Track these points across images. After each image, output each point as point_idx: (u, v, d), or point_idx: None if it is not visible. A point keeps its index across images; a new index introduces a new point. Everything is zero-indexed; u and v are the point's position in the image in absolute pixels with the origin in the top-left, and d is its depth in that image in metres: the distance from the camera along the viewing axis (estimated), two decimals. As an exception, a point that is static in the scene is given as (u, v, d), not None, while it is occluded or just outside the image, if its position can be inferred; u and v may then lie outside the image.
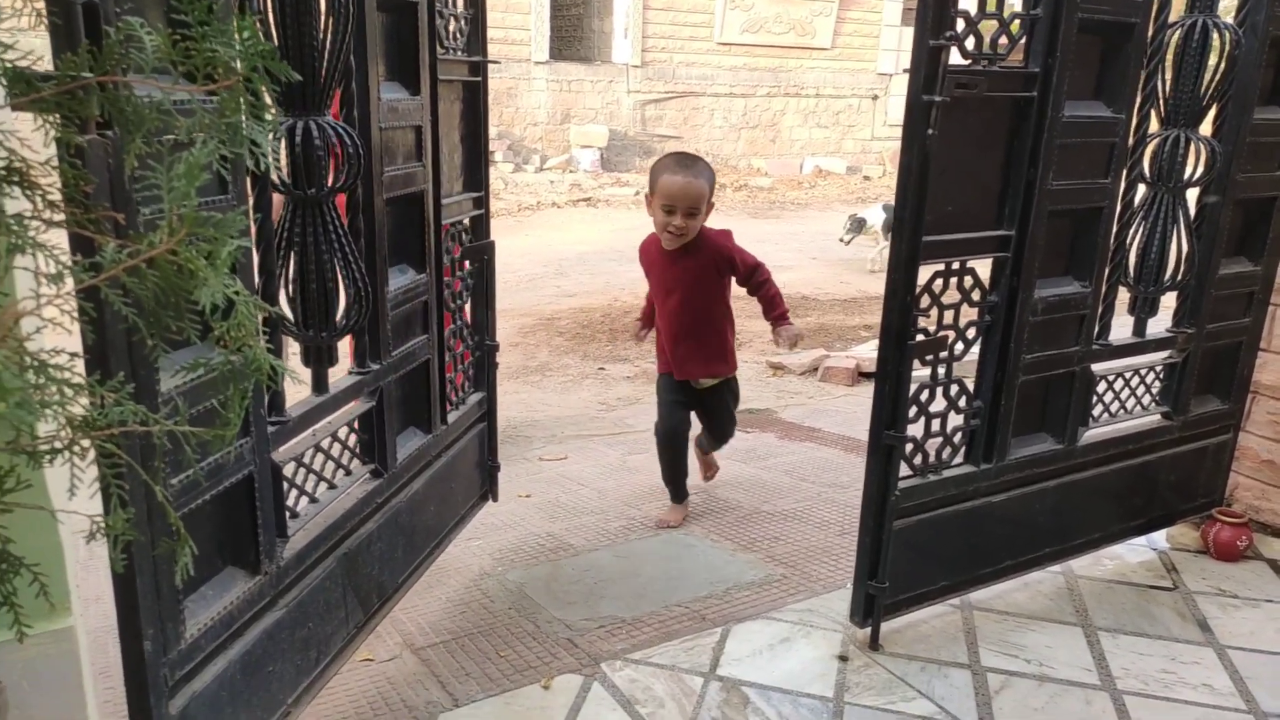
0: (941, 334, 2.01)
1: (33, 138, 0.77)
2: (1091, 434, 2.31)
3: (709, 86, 14.87)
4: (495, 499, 2.56)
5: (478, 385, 2.45)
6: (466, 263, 2.30)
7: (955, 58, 1.80)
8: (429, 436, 2.12)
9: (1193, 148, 2.20)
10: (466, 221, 2.28)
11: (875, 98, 16.06)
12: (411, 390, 2.07)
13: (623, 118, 14.53)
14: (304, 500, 1.70)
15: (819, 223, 10.65)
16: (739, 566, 2.52)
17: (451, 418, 2.23)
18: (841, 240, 8.52)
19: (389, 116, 1.82)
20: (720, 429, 2.94)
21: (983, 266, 2.02)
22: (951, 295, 2.00)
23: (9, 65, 0.77)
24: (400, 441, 2.01)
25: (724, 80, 14.94)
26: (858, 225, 8.47)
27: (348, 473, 1.86)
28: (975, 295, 2.05)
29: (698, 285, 2.70)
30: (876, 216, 8.47)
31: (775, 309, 2.74)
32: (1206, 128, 2.26)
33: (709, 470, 3.11)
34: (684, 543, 2.68)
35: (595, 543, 2.67)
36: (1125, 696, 1.94)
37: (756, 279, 2.72)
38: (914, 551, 2.06)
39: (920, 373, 1.97)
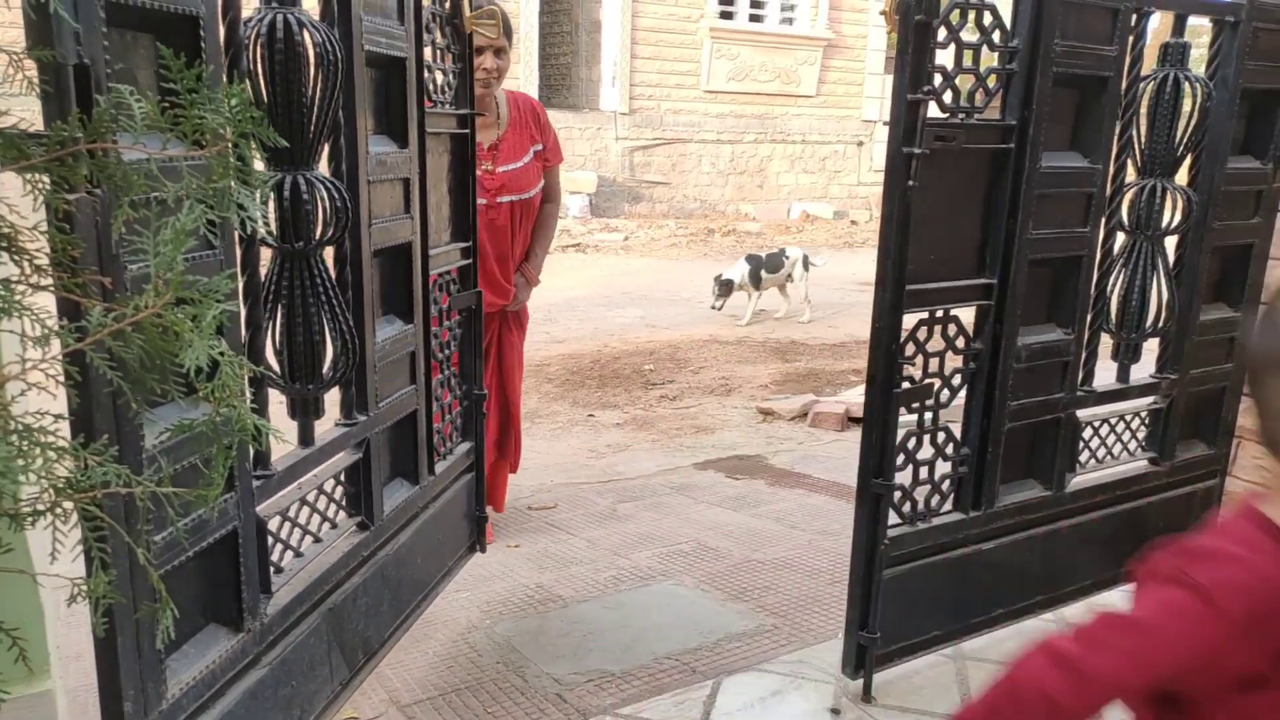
0: (927, 381, 2.02)
1: (21, 203, 0.78)
2: (1079, 480, 2.31)
3: (696, 133, 15.06)
4: (483, 550, 2.54)
5: (465, 435, 2.44)
6: (454, 313, 2.31)
7: (934, 111, 1.84)
8: (416, 488, 2.10)
9: (1169, 197, 2.24)
10: (454, 272, 2.29)
11: (860, 144, 16.30)
12: (399, 441, 2.06)
13: (611, 164, 14.67)
14: (288, 555, 1.69)
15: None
16: (730, 617, 2.50)
17: (439, 468, 2.22)
18: (714, 307, 8.02)
19: (377, 170, 1.83)
20: None
21: (966, 314, 2.04)
22: (936, 343, 2.02)
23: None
24: (387, 493, 2.00)
25: (711, 127, 15.14)
26: (725, 288, 8.00)
27: (333, 526, 1.84)
28: (960, 343, 2.06)
29: None
30: (740, 271, 8.09)
31: None
32: (1183, 177, 2.31)
33: None
34: (674, 593, 2.66)
35: (584, 593, 2.65)
36: (1120, 747, 1.92)
37: None
38: (905, 601, 2.05)
39: (908, 419, 1.98)
